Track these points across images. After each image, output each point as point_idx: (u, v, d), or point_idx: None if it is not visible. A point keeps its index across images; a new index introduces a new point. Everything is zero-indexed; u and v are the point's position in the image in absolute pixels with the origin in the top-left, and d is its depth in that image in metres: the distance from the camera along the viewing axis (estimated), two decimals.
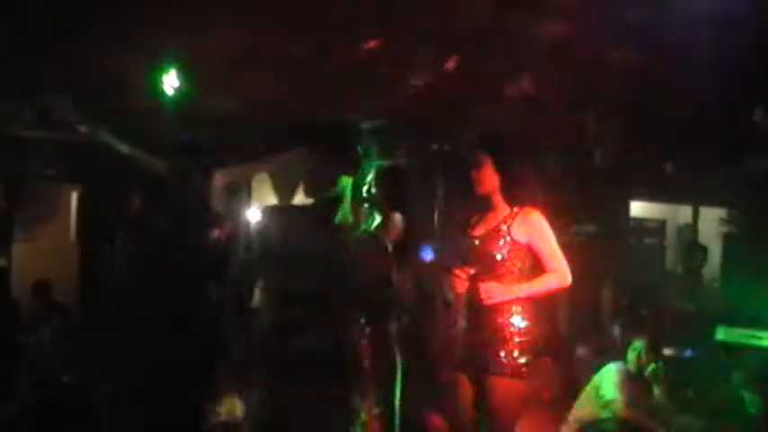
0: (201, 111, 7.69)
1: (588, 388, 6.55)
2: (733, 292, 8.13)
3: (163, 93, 7.25)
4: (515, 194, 4.42)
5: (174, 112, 7.47)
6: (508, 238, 4.33)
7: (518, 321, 4.28)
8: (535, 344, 4.31)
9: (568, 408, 6.67)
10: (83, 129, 8.21)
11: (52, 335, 7.60)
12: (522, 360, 4.24)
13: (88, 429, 6.03)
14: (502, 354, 4.24)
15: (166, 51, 6.97)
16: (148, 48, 6.72)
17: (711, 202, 10.56)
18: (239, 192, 11.09)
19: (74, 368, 6.99)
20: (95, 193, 9.49)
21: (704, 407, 6.87)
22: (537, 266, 4.40)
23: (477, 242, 4.43)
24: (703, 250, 8.54)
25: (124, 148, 8.15)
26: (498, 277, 4.30)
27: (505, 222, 4.37)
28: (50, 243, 9.87)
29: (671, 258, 11.59)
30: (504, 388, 4.22)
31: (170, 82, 7.26)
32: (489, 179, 4.43)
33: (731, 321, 7.37)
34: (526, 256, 4.36)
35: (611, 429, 6.26)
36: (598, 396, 6.40)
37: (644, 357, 6.47)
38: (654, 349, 6.55)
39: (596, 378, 6.53)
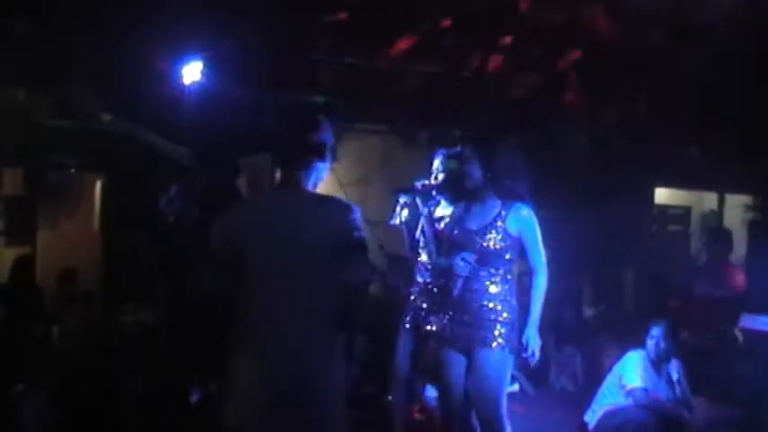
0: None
1: (611, 376, 6.53)
2: (758, 279, 8.07)
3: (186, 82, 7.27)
4: (500, 190, 4.71)
5: (197, 101, 7.49)
6: (503, 233, 4.67)
7: (502, 304, 4.66)
8: (516, 322, 4.69)
9: (592, 396, 6.65)
10: (106, 118, 8.24)
11: (77, 322, 7.66)
12: (508, 336, 4.63)
13: (112, 415, 6.07)
14: (491, 331, 4.62)
15: (190, 41, 6.97)
16: (172, 36, 6.73)
17: (736, 189, 10.48)
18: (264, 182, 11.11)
19: (98, 355, 7.06)
20: (119, 182, 9.53)
21: (727, 394, 6.83)
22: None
23: (474, 234, 4.72)
24: (728, 237, 8.46)
25: (150, 138, 8.18)
26: (493, 266, 4.67)
27: (500, 216, 4.69)
28: (74, 232, 9.92)
29: (696, 245, 11.53)
30: (493, 359, 4.60)
31: (192, 72, 7.27)
32: (475, 173, 4.73)
33: (756, 309, 7.32)
34: (516, 245, 4.71)
35: (634, 417, 6.25)
36: (621, 383, 6.39)
37: (661, 343, 6.45)
38: (671, 334, 6.52)
39: (619, 365, 6.51)
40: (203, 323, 5.50)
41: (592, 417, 6.46)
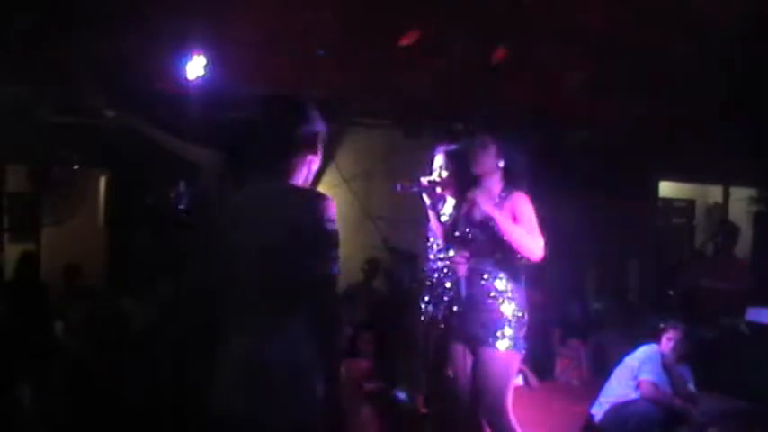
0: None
1: (621, 368, 6.53)
2: (763, 271, 8.06)
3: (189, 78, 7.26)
4: (514, 179, 4.72)
5: (202, 97, 7.48)
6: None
7: (509, 300, 4.60)
8: (525, 322, 4.63)
9: (597, 389, 6.65)
10: (110, 114, 8.25)
11: (81, 318, 7.66)
12: (516, 334, 4.58)
13: (117, 411, 6.07)
14: (497, 329, 4.56)
15: (193, 36, 6.96)
16: (176, 31, 6.72)
17: (741, 182, 10.48)
18: None
19: (103, 351, 7.05)
20: (123, 178, 9.54)
21: (733, 387, 6.83)
22: None
23: (478, 225, 4.70)
24: (733, 230, 8.46)
25: (154, 134, 8.17)
26: (498, 257, 4.62)
27: (499, 205, 4.64)
28: (79, 228, 9.94)
29: (700, 238, 11.53)
30: (498, 358, 4.56)
31: (195, 68, 7.25)
32: (490, 161, 4.72)
33: (761, 302, 7.32)
34: None
35: (641, 410, 6.25)
36: (632, 376, 6.39)
37: (678, 346, 6.47)
38: (689, 337, 6.54)
39: (630, 359, 6.52)
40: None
41: (599, 409, 6.46)
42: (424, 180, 5.28)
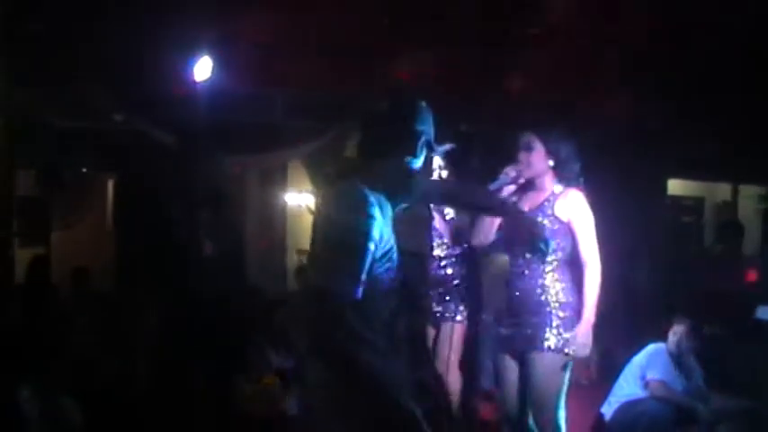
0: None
1: (629, 368, 6.51)
2: None
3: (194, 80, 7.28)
4: (566, 177, 4.44)
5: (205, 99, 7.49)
6: (551, 216, 4.36)
7: (561, 299, 4.33)
8: (578, 320, 4.34)
9: (605, 389, 6.63)
10: (118, 117, 8.27)
11: (90, 323, 7.67)
12: (567, 335, 4.29)
13: (125, 414, 6.09)
14: (546, 330, 4.29)
15: (198, 37, 6.98)
16: (182, 34, 6.75)
17: (751, 180, 10.44)
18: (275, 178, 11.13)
19: (112, 355, 7.07)
20: (131, 181, 9.55)
21: (743, 386, 6.81)
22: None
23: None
24: (740, 228, 8.42)
25: (162, 137, 8.19)
26: (542, 256, 4.30)
27: (549, 200, 4.40)
28: (87, 231, 9.97)
29: (709, 236, 11.49)
30: (549, 363, 4.28)
31: (201, 69, 7.27)
32: (539, 163, 4.42)
33: None
34: (567, 235, 4.37)
35: (650, 409, 6.24)
36: (641, 375, 6.38)
37: (684, 341, 6.44)
38: (695, 331, 6.51)
39: (638, 358, 6.50)
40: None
41: (608, 409, 6.45)
42: None
